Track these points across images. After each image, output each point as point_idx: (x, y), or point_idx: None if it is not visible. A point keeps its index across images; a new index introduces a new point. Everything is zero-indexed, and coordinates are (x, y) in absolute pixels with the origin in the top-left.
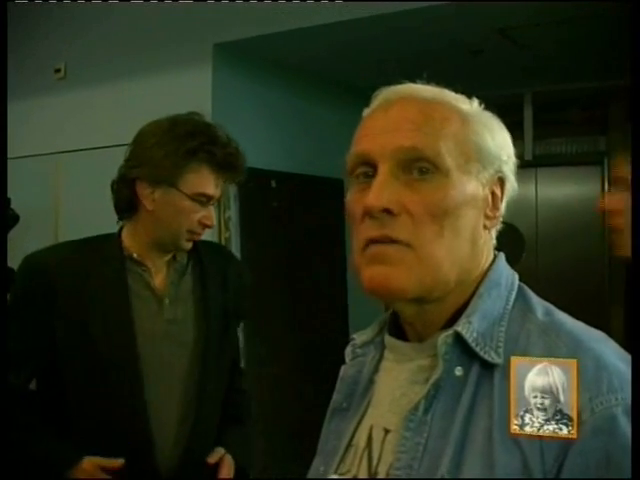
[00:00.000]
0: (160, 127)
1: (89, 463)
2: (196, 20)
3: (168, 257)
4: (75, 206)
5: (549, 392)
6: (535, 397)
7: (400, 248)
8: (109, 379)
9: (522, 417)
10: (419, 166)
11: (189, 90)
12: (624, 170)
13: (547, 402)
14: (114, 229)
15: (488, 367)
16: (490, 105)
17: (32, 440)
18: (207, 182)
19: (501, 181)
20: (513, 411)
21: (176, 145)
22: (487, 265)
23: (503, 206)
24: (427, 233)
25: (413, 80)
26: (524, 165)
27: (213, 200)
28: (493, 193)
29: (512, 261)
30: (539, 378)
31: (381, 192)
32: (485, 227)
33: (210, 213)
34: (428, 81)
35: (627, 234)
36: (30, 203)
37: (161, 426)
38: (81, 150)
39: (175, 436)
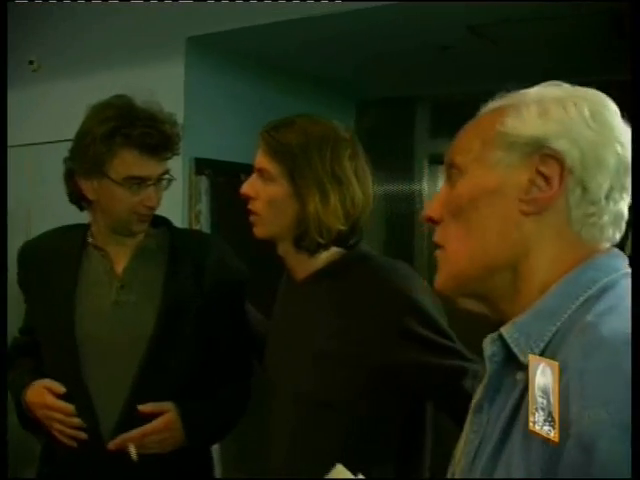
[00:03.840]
0: (86, 118)
1: (38, 384)
2: (169, 13)
3: (132, 241)
4: (47, 198)
5: (546, 393)
6: (540, 396)
7: (439, 251)
8: (52, 352)
9: (534, 414)
10: (449, 171)
11: (162, 83)
12: (263, 162)
13: (545, 402)
14: (86, 221)
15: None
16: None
17: (12, 372)
18: (133, 164)
19: (550, 158)
20: (531, 408)
21: (95, 133)
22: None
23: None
24: (449, 232)
25: (386, 73)
26: None
27: (151, 180)
28: (541, 173)
29: None
30: (541, 378)
31: (429, 203)
32: (524, 213)
33: (150, 194)
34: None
35: (263, 218)
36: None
37: (103, 398)
38: (53, 142)
39: (119, 410)
